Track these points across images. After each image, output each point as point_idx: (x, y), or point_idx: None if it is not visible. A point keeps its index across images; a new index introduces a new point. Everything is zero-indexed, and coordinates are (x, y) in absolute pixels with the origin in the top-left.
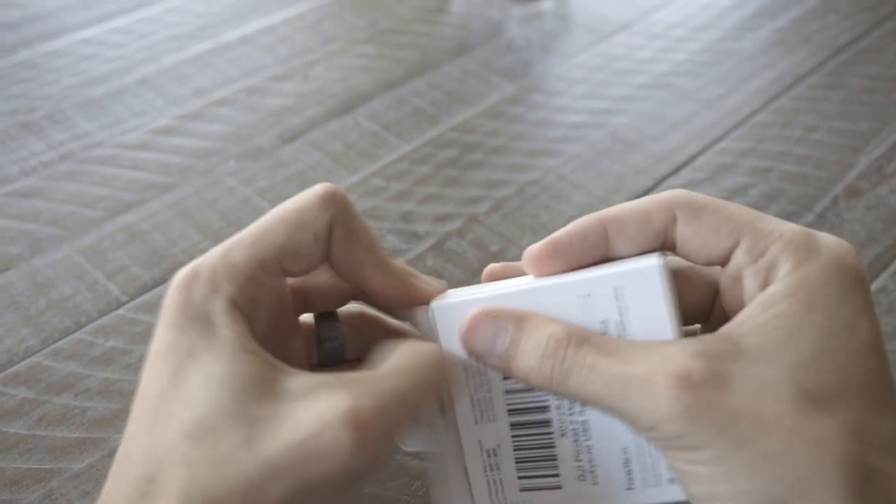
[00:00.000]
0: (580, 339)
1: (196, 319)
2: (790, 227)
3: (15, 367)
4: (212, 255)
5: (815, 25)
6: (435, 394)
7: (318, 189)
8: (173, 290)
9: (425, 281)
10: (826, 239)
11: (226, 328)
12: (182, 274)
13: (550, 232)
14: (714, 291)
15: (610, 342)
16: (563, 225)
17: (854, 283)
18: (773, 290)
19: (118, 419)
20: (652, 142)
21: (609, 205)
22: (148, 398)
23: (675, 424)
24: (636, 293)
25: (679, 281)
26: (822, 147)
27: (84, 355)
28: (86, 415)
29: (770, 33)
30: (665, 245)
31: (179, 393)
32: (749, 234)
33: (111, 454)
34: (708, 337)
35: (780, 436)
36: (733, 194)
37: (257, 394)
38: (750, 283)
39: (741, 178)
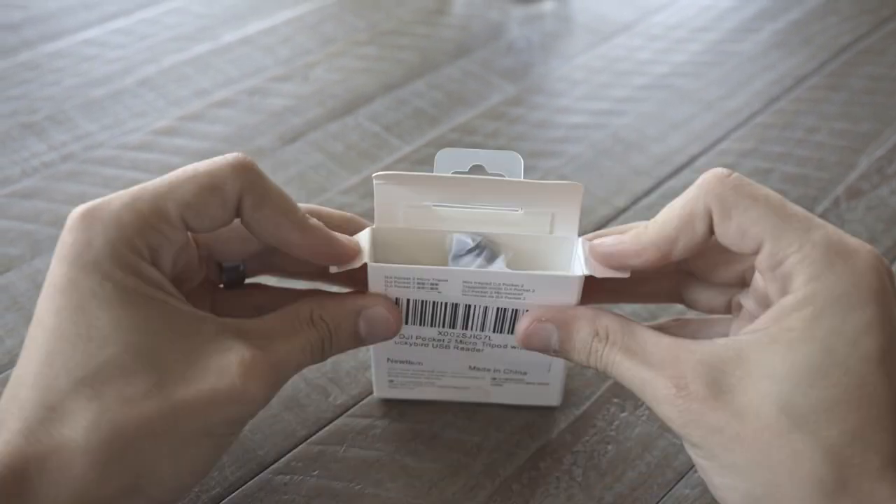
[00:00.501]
0: (612, 340)
1: (100, 262)
2: (813, 237)
3: None
4: (117, 199)
5: (815, 27)
6: (318, 352)
7: (230, 157)
8: (74, 228)
9: (345, 238)
10: (849, 249)
11: (132, 273)
12: (81, 212)
13: None
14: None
15: (637, 339)
16: None
17: (866, 297)
18: (785, 303)
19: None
20: (653, 143)
21: (609, 206)
22: (48, 329)
23: (674, 425)
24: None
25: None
26: (823, 148)
27: None
28: None
29: (771, 35)
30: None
31: (87, 331)
32: (770, 241)
33: None
34: (721, 342)
35: (757, 448)
36: None
37: (166, 337)
38: (771, 287)
39: None
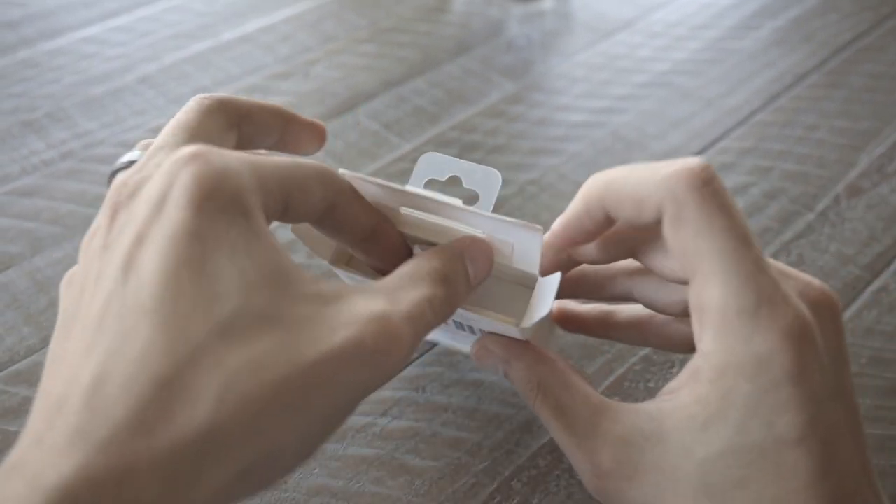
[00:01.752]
0: (545, 394)
1: (228, 207)
2: (724, 295)
3: (16, 366)
4: (236, 155)
5: (816, 24)
6: (445, 306)
7: (321, 164)
8: (190, 164)
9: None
10: (766, 319)
11: (261, 221)
12: (198, 151)
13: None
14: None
15: (569, 397)
16: None
17: (780, 377)
18: (700, 366)
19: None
20: (653, 140)
21: None
22: (162, 286)
23: (597, 497)
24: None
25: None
26: (823, 146)
27: None
28: None
29: (771, 32)
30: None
31: (205, 287)
32: (697, 281)
33: None
34: (644, 411)
35: None
36: (734, 193)
37: (291, 294)
38: (695, 325)
39: (742, 177)
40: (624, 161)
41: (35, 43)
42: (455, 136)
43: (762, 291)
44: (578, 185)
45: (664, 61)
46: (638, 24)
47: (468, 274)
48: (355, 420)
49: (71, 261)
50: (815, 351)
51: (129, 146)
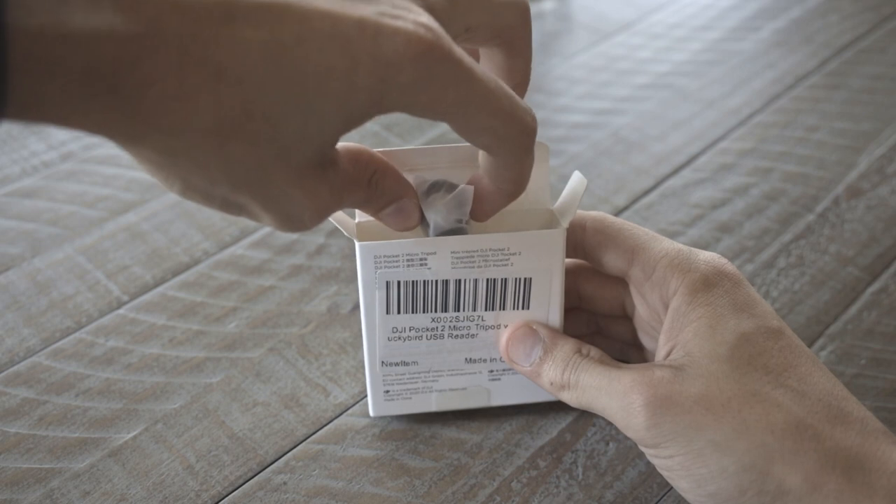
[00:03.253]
0: (589, 357)
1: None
2: (673, 247)
3: (16, 367)
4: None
5: (816, 25)
6: (357, 205)
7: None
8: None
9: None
10: (702, 254)
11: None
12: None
13: None
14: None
15: (608, 358)
16: None
17: (738, 281)
18: (677, 304)
19: (119, 419)
20: (653, 142)
21: (609, 205)
22: None
23: (642, 428)
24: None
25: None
26: (824, 147)
27: (85, 355)
28: (86, 415)
29: (771, 33)
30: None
31: None
32: (641, 254)
33: (112, 454)
34: (661, 361)
35: (732, 417)
36: (734, 194)
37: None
38: (651, 296)
39: (742, 178)
40: (624, 162)
41: None
42: (456, 137)
43: (682, 248)
44: None
45: (664, 62)
46: (638, 26)
47: (386, 210)
48: (355, 421)
49: (71, 262)
50: (746, 280)
51: None
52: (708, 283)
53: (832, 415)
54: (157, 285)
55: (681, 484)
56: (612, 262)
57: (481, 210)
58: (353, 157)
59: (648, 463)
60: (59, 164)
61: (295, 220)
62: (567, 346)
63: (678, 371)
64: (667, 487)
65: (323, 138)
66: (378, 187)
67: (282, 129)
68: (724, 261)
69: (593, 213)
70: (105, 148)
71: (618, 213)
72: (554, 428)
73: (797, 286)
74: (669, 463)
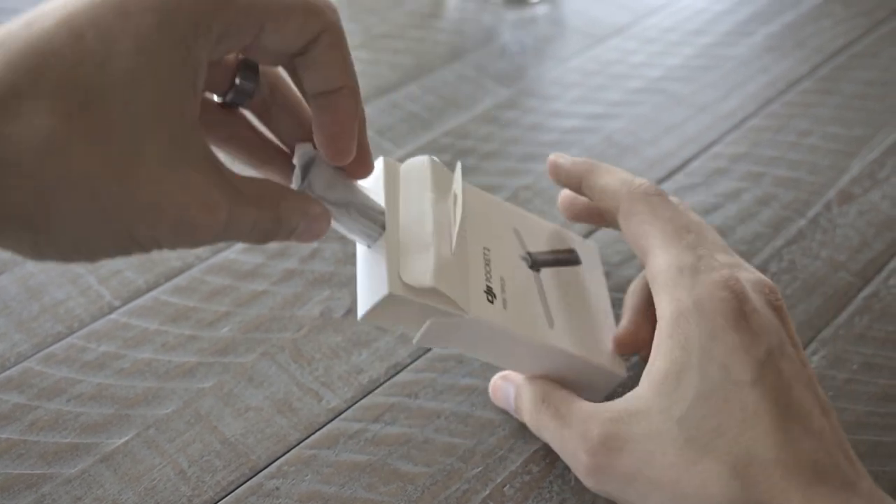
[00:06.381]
0: (548, 404)
1: (175, 15)
2: (675, 262)
3: (7, 373)
4: None
5: (809, 30)
6: (262, 234)
7: None
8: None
9: (369, 159)
10: (704, 277)
11: (191, 50)
12: None
13: None
14: None
15: (567, 405)
16: None
17: (722, 322)
18: (660, 327)
19: (111, 424)
20: (646, 146)
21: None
22: (84, 36)
23: (590, 480)
24: None
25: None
26: (816, 152)
27: (76, 360)
28: (78, 420)
29: (764, 38)
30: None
31: (133, 70)
32: (648, 260)
33: (104, 459)
34: (631, 394)
35: (670, 487)
36: (727, 199)
37: (178, 124)
38: (655, 300)
39: (735, 183)
40: (617, 166)
41: None
42: (448, 142)
43: (700, 257)
44: None
45: (658, 67)
46: (631, 30)
47: (297, 229)
48: (347, 426)
49: (63, 267)
50: (750, 303)
51: None
52: (691, 319)
53: (778, 487)
54: (149, 290)
55: None
56: (636, 251)
57: (342, 146)
58: (256, 182)
59: None
60: None
61: (185, 222)
62: (528, 392)
63: (627, 429)
64: None
65: (173, 106)
66: (286, 208)
67: (128, 114)
68: (726, 291)
69: (630, 191)
70: None
71: None
72: None
73: (789, 291)
74: None
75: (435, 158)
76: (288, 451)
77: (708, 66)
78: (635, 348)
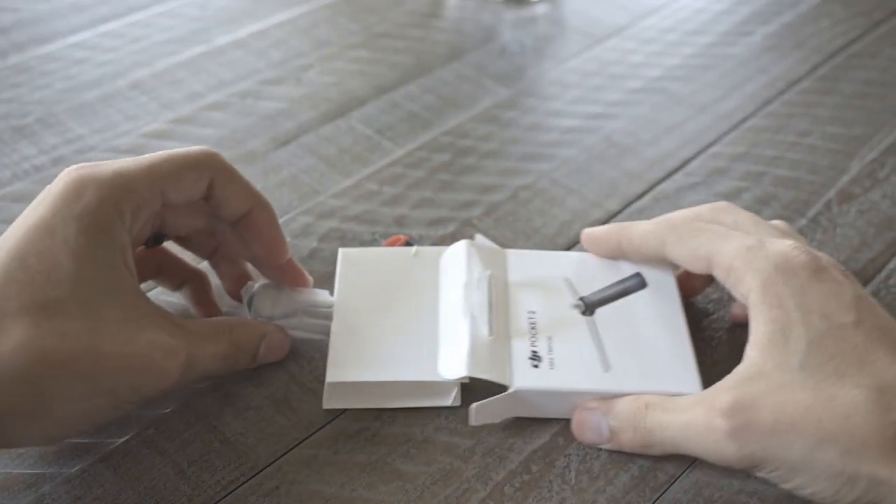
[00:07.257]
0: (653, 407)
1: (83, 217)
2: (743, 243)
3: None
4: (107, 165)
5: (808, 30)
6: (228, 363)
7: (200, 147)
8: (67, 182)
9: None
10: (773, 245)
11: (105, 233)
12: (77, 170)
13: (544, 236)
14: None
15: (671, 401)
16: (557, 229)
17: (809, 276)
18: (751, 302)
19: (110, 424)
20: (646, 146)
21: (602, 210)
22: (11, 256)
23: (729, 450)
24: None
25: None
26: (815, 152)
27: None
28: None
29: (763, 38)
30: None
31: (48, 270)
32: (714, 258)
33: (103, 459)
34: (741, 367)
35: (813, 429)
36: (726, 199)
37: (114, 299)
38: (736, 294)
39: (734, 183)
40: (616, 166)
41: (26, 48)
42: (448, 142)
43: (759, 237)
44: (571, 190)
45: (657, 67)
46: (631, 30)
47: (256, 353)
48: (347, 425)
49: None
50: (821, 259)
51: (121, 152)
52: (778, 280)
53: None
54: (149, 290)
55: (781, 487)
56: (695, 264)
57: (274, 249)
58: (207, 321)
59: (641, 467)
60: (50, 168)
61: (152, 369)
62: (624, 404)
63: (751, 389)
64: (659, 492)
65: (112, 283)
66: (239, 334)
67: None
68: (796, 251)
69: (669, 225)
70: (96, 152)
71: (610, 217)
72: (546, 432)
73: None
74: (766, 476)
75: (475, 239)
76: (288, 451)
77: (707, 66)
78: None
